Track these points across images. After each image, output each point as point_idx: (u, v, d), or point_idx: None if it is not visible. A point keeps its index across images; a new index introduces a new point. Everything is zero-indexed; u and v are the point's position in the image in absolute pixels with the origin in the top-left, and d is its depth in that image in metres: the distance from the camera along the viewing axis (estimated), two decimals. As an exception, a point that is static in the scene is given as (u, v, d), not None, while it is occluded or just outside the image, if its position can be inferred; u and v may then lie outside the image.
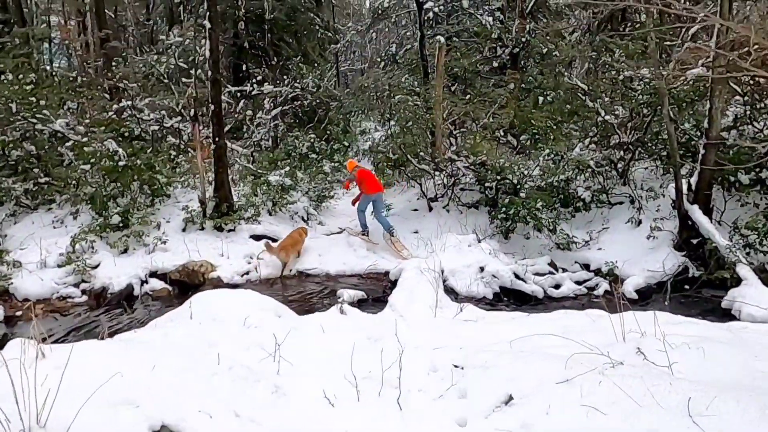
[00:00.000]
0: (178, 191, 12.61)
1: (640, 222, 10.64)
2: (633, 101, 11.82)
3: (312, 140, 17.41)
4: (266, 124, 17.29)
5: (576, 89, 13.17)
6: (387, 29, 23.68)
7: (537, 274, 9.70)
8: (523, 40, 17.75)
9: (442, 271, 9.46)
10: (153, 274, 9.90)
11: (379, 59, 21.09)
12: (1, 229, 11.34)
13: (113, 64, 15.52)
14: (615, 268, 9.57)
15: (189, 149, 14.41)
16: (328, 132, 19.38)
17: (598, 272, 9.79)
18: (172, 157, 13.87)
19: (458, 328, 5.89)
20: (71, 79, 17.27)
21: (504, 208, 11.14)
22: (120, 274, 9.64)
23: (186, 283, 9.78)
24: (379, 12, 20.90)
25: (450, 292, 8.98)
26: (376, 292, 9.22)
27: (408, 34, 21.81)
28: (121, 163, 11.21)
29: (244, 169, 13.96)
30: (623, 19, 20.96)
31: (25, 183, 12.24)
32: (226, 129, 16.70)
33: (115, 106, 15.80)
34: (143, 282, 9.68)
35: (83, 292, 9.42)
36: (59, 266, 9.71)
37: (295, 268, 10.49)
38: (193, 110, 11.22)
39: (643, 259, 9.60)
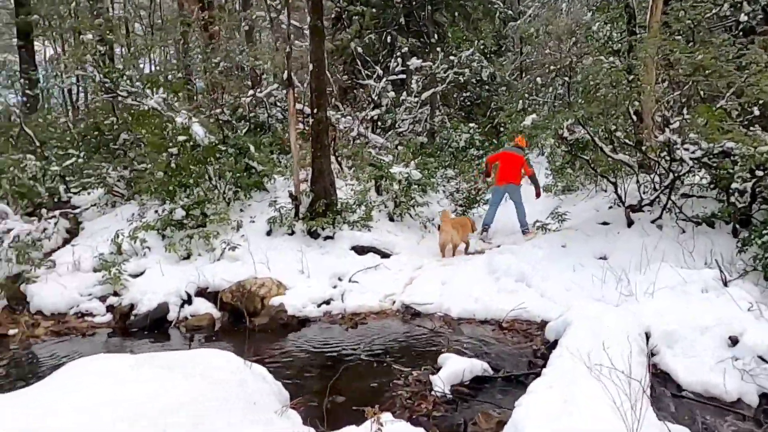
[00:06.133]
0: (279, 183, 9.81)
1: None
2: None
3: (472, 131, 13.68)
4: (414, 110, 13.97)
5: None
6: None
7: None
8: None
9: (647, 335, 5.06)
10: (202, 292, 7.06)
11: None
12: (82, 219, 9.58)
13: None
14: None
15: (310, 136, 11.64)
16: (496, 124, 15.45)
17: None
18: (281, 144, 11.22)
19: None
20: (214, 64, 15.87)
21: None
22: (159, 288, 6.96)
23: (239, 310, 6.74)
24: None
25: (663, 378, 4.58)
26: (517, 359, 5.14)
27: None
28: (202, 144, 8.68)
29: (364, 160, 10.73)
30: None
31: (120, 170, 10.49)
32: (371, 117, 13.86)
33: (250, 91, 13.88)
34: (184, 302, 6.88)
35: (109, 308, 6.92)
36: (95, 270, 7.39)
37: (399, 301, 6.85)
38: (287, 72, 8.29)
39: None
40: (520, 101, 11.51)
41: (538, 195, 9.54)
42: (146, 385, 2.52)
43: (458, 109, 17.92)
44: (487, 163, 9.68)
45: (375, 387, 4.48)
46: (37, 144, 11.27)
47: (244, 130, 11.03)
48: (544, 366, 4.66)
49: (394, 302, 6.87)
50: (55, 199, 10.08)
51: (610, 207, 8.69)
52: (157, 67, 18.22)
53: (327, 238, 8.28)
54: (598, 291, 6.41)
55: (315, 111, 8.22)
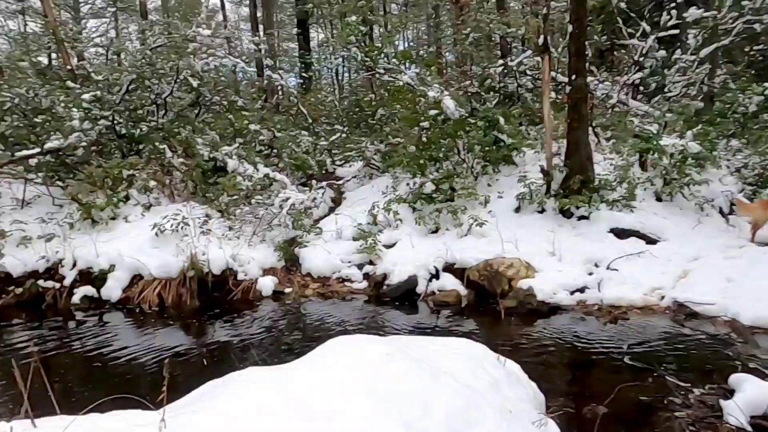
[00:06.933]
0: (529, 157, 9.29)
1: None
2: None
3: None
4: (689, 70, 11.95)
5: None
6: None
7: None
8: None
9: None
10: (449, 268, 7.05)
11: None
12: (344, 189, 10.49)
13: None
14: None
15: (564, 105, 10.79)
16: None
17: None
18: (530, 115, 10.59)
19: None
20: (464, 35, 15.86)
21: None
22: (409, 260, 7.17)
23: (485, 290, 6.56)
24: None
25: None
26: None
27: None
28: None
29: (626, 130, 9.45)
30: None
31: (377, 144, 11.15)
32: (631, 81, 12.32)
33: (500, 61, 13.51)
34: (432, 277, 6.95)
35: (365, 276, 7.38)
36: (354, 239, 7.94)
37: (670, 296, 5.88)
38: (542, 37, 7.66)
39: None
40: None
41: None
42: (399, 380, 2.41)
43: (746, 66, 14.83)
44: None
45: (645, 401, 3.82)
46: (310, 121, 12.64)
47: (493, 102, 10.72)
48: None
49: (662, 297, 5.94)
50: (323, 171, 11.21)
51: None
52: (410, 44, 18.93)
53: (581, 218, 7.56)
54: None
55: (573, 77, 7.47)
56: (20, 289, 7.02)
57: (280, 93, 13.87)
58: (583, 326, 5.59)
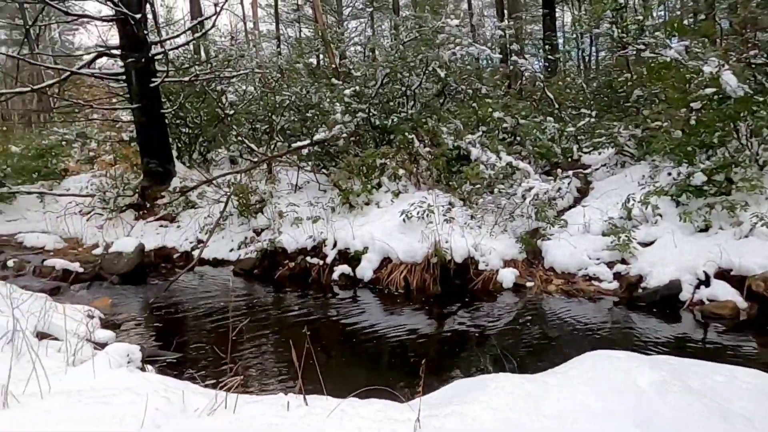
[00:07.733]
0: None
1: None
2: None
3: None
4: None
5: None
6: None
7: None
8: None
9: None
10: (723, 274, 5.99)
11: None
12: (591, 179, 9.76)
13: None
14: None
15: None
16: None
17: None
18: None
19: None
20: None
21: None
22: (670, 262, 6.30)
23: (773, 304, 5.42)
24: None
25: None
26: None
27: None
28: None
29: None
30: None
31: (632, 128, 10.08)
32: None
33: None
34: (701, 283, 5.99)
35: (616, 276, 6.71)
36: (603, 234, 7.28)
37: None
38: None
39: None
40: None
41: None
42: (677, 418, 2.03)
43: None
44: None
45: None
46: (556, 106, 12.02)
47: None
48: None
49: None
50: (569, 159, 10.55)
51: None
52: (678, 13, 16.68)
53: None
54: None
55: None
56: (293, 264, 8.11)
57: (523, 78, 13.47)
58: None
